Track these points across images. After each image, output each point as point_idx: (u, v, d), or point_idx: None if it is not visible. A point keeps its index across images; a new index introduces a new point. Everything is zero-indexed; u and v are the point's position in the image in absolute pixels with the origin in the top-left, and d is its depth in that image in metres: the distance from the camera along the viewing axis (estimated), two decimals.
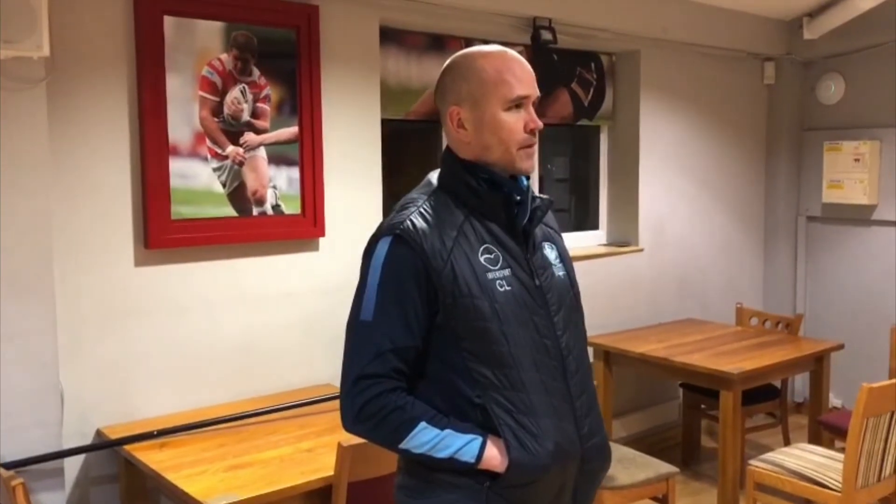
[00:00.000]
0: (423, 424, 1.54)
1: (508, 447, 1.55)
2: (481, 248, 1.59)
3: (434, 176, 1.70)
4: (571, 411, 1.62)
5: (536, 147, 1.67)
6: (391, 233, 1.58)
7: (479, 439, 1.55)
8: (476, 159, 1.64)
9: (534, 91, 1.64)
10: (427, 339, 1.57)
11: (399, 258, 1.56)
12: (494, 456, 1.55)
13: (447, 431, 1.54)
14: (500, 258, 1.61)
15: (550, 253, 1.71)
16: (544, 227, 1.74)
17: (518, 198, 1.65)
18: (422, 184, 1.71)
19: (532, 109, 1.65)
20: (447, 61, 1.69)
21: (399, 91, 3.73)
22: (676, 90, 4.82)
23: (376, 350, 1.54)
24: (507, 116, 1.61)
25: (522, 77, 1.63)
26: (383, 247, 1.58)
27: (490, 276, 1.58)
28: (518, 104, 1.62)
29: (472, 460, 1.54)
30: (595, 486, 1.73)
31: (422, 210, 1.60)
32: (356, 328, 1.58)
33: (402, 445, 1.55)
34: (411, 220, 1.58)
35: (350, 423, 1.58)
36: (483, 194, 1.62)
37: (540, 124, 1.65)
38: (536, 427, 1.57)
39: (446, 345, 1.57)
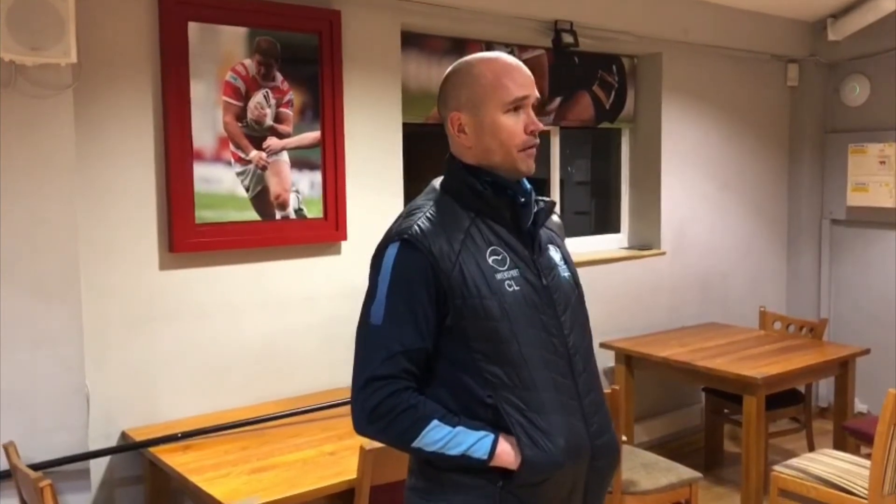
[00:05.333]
0: (435, 422, 1.55)
1: (521, 445, 1.55)
2: (489, 250, 1.61)
3: (438, 182, 1.72)
4: (580, 409, 1.63)
5: (536, 148, 1.68)
6: (399, 238, 1.60)
7: (491, 436, 1.55)
8: (478, 163, 1.66)
9: (532, 92, 1.66)
10: (437, 342, 1.59)
11: (408, 262, 1.58)
12: (507, 451, 1.55)
13: (459, 429, 1.55)
14: (508, 259, 1.62)
15: (555, 255, 1.73)
16: (547, 230, 1.75)
17: (522, 200, 1.67)
18: (426, 190, 1.73)
19: (531, 111, 1.66)
20: (448, 69, 1.71)
21: (420, 95, 3.74)
22: (698, 92, 4.79)
23: (387, 353, 1.55)
24: (506, 119, 1.63)
25: (520, 80, 1.64)
26: (392, 251, 1.60)
27: (499, 276, 1.59)
28: (517, 107, 1.64)
29: (485, 457, 1.54)
30: (605, 485, 1.73)
31: (428, 215, 1.63)
32: (366, 332, 1.60)
33: (415, 444, 1.56)
34: (419, 225, 1.60)
35: (362, 425, 1.58)
36: (488, 197, 1.64)
37: (540, 126, 1.67)
38: (548, 424, 1.57)
39: (457, 346, 1.58)
